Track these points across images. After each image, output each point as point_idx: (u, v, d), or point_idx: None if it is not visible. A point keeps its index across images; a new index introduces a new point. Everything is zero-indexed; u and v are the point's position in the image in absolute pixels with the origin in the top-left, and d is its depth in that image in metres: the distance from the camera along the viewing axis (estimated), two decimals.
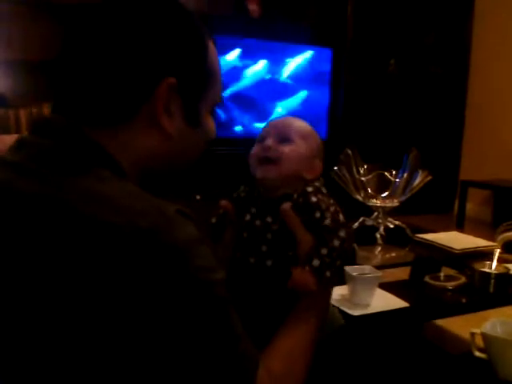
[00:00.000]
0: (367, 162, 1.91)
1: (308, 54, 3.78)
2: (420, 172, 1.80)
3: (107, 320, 0.54)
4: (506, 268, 1.47)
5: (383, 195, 1.84)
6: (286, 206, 0.82)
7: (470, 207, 3.93)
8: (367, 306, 1.24)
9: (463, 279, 1.44)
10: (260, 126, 3.72)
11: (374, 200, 1.84)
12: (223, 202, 0.89)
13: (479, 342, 1.17)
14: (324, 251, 0.79)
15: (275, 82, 3.73)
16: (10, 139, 0.68)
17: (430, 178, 1.80)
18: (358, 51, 3.92)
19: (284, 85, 3.76)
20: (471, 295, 1.40)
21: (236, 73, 3.57)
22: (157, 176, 0.69)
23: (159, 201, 0.59)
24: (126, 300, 0.54)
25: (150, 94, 0.63)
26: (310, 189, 0.85)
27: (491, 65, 4.09)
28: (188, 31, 0.66)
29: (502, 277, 1.43)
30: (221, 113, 3.54)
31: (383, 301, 1.27)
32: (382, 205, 1.83)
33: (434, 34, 4.17)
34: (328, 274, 0.79)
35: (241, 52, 3.55)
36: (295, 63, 3.76)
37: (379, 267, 1.38)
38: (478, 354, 1.17)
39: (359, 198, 1.84)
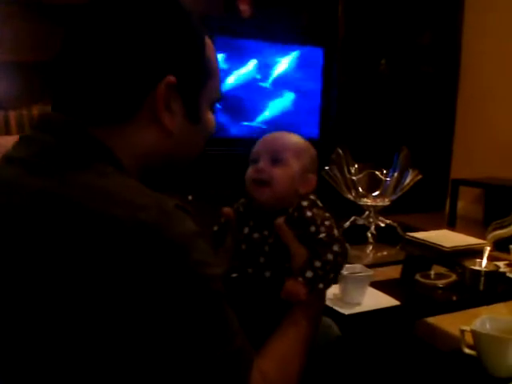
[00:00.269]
0: (358, 162, 1.92)
1: (299, 54, 3.79)
2: (410, 171, 1.81)
3: (106, 312, 0.54)
4: (496, 266, 1.48)
5: (374, 194, 1.84)
6: (280, 220, 0.85)
7: (461, 206, 3.95)
8: (358, 304, 1.24)
9: (454, 277, 1.45)
10: (251, 127, 3.72)
11: (365, 199, 1.85)
12: (226, 210, 0.92)
13: (469, 338, 1.18)
14: (317, 264, 0.81)
15: (267, 82, 3.74)
16: (12, 140, 0.69)
17: (420, 176, 1.82)
18: (349, 51, 3.93)
19: (275, 84, 3.77)
20: (462, 293, 1.41)
21: (227, 73, 3.57)
22: (157, 172, 0.70)
23: (159, 195, 0.60)
24: (125, 292, 0.54)
25: (150, 92, 0.64)
26: (305, 203, 0.87)
27: (482, 64, 4.11)
28: (186, 29, 0.67)
29: (492, 274, 1.44)
30: None
31: (374, 299, 1.28)
32: (373, 204, 1.84)
33: (424, 34, 4.19)
34: (321, 285, 0.82)
35: (231, 52, 3.55)
36: (286, 63, 3.77)
37: (370, 266, 1.39)
38: (467, 350, 1.18)
39: (350, 197, 1.85)
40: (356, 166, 1.89)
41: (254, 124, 3.73)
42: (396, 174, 1.83)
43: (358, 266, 1.30)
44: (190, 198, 2.66)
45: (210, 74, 0.71)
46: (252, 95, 3.70)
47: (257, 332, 0.72)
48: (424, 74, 4.21)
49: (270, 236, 0.87)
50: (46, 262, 0.55)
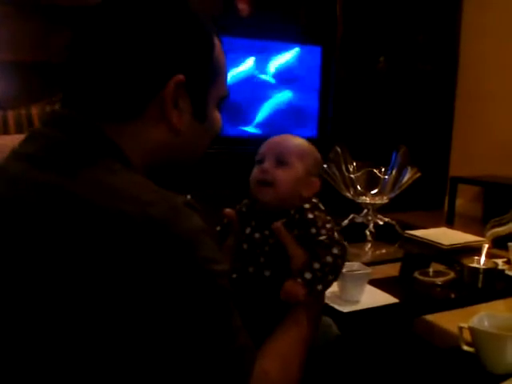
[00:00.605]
0: (357, 160, 1.93)
1: (298, 52, 3.79)
2: (409, 169, 1.81)
3: (112, 307, 0.55)
4: (495, 263, 1.49)
5: (372, 192, 1.85)
6: (278, 223, 0.86)
7: (459, 203, 3.95)
8: (357, 302, 1.25)
9: (452, 275, 1.46)
10: (249, 126, 3.72)
11: (364, 197, 1.85)
12: (228, 211, 0.93)
13: (467, 336, 1.18)
14: (316, 265, 0.82)
15: (265, 81, 3.74)
16: (10, 139, 0.69)
17: (418, 174, 1.82)
18: (347, 49, 3.93)
19: (274, 83, 3.77)
20: (460, 290, 1.41)
21: (227, 71, 3.56)
22: (163, 170, 0.71)
23: (167, 192, 0.60)
24: (131, 287, 0.54)
25: (158, 91, 0.65)
26: (307, 205, 0.88)
27: (480, 62, 4.11)
28: (195, 28, 0.68)
29: (490, 272, 1.44)
30: None
31: (373, 297, 1.28)
32: (372, 202, 1.84)
33: (423, 32, 4.19)
34: (319, 287, 0.82)
35: (229, 51, 3.55)
36: (285, 61, 3.77)
37: (369, 264, 1.39)
38: (465, 347, 1.18)
39: (349, 195, 1.85)
40: (354, 164, 1.90)
41: (252, 123, 3.73)
42: (394, 172, 1.84)
43: (356, 264, 1.30)
44: (188, 197, 2.67)
45: (217, 73, 0.72)
46: (250, 94, 3.69)
47: (257, 331, 0.72)
48: (422, 72, 4.22)
49: (270, 236, 0.88)
50: (54, 257, 0.56)
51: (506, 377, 1.08)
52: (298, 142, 0.93)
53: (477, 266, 1.45)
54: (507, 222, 1.91)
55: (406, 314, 1.41)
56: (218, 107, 0.74)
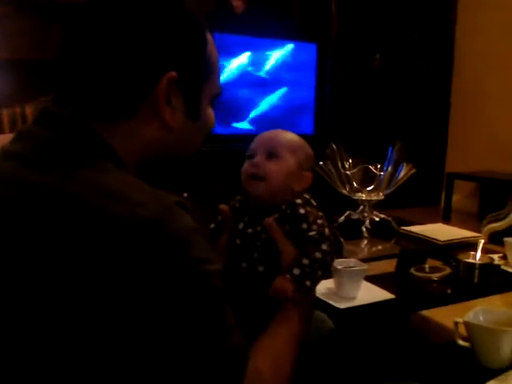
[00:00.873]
0: (353, 156, 1.93)
1: (293, 50, 3.79)
2: (404, 165, 1.82)
3: (104, 308, 0.54)
4: (491, 258, 1.49)
5: (368, 189, 1.85)
6: (269, 219, 0.86)
7: (456, 199, 3.96)
8: (353, 298, 1.25)
9: (448, 270, 1.46)
10: (244, 124, 3.72)
11: (360, 194, 1.85)
12: (222, 206, 0.93)
13: (462, 330, 1.19)
14: (306, 261, 0.83)
15: (260, 78, 3.73)
16: (3, 138, 0.68)
17: (414, 170, 1.82)
18: (343, 46, 3.93)
19: (269, 80, 3.76)
20: (456, 286, 1.42)
21: (220, 69, 3.56)
22: (155, 166, 0.70)
23: (159, 192, 0.60)
24: (123, 288, 0.54)
25: (151, 89, 0.64)
26: (298, 201, 0.88)
27: (476, 58, 4.12)
28: (187, 25, 0.67)
29: (486, 267, 1.45)
30: None
31: (369, 293, 1.28)
32: (368, 198, 1.85)
33: (418, 29, 4.19)
34: (308, 283, 0.82)
35: (224, 48, 3.55)
36: (280, 58, 3.76)
37: (365, 260, 1.39)
38: (461, 342, 1.18)
39: (345, 192, 1.86)
40: (350, 160, 1.90)
41: (247, 120, 3.73)
42: (390, 169, 1.84)
43: (352, 260, 1.31)
44: (185, 195, 2.67)
45: (210, 70, 0.71)
46: (246, 91, 3.69)
47: (251, 326, 0.72)
48: (418, 69, 4.22)
49: (263, 232, 0.88)
50: (43, 258, 0.55)
51: (501, 371, 1.08)
52: (289, 136, 0.93)
53: (473, 261, 1.45)
54: (504, 218, 1.92)
55: (403, 309, 1.42)
56: (212, 104, 0.74)
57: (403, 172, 1.81)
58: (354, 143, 2.29)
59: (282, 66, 3.77)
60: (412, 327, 1.73)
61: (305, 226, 0.85)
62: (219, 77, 0.75)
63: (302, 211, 0.87)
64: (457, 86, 4.30)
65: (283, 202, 0.88)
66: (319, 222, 0.86)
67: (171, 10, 0.66)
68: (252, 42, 3.66)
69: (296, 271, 0.81)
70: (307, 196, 0.91)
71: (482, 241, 1.60)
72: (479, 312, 1.19)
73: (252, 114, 3.73)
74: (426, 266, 1.48)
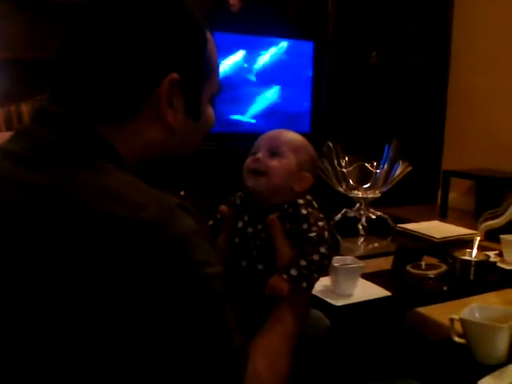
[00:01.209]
0: (349, 154, 1.93)
1: (290, 47, 3.78)
2: (400, 162, 1.82)
3: (105, 310, 0.54)
4: (487, 255, 1.50)
5: (365, 186, 1.85)
6: (273, 216, 0.86)
7: (452, 197, 3.97)
8: (350, 296, 1.25)
9: (444, 267, 1.46)
10: (241, 122, 3.71)
11: (356, 191, 1.85)
12: (222, 207, 0.93)
13: (458, 327, 1.19)
14: (303, 263, 0.83)
15: (257, 76, 3.73)
16: (1, 136, 0.68)
17: (410, 168, 1.83)
18: (339, 44, 3.93)
19: (266, 78, 3.76)
20: (452, 283, 1.42)
21: (219, 67, 3.56)
22: (154, 166, 0.70)
23: (161, 194, 0.59)
24: (124, 290, 0.54)
25: (152, 90, 0.64)
26: (301, 201, 0.89)
27: (472, 56, 4.12)
28: (187, 24, 0.67)
29: (482, 264, 1.45)
30: None
31: (366, 290, 1.29)
32: (364, 196, 1.85)
33: (415, 26, 4.20)
34: (304, 284, 0.83)
35: (221, 46, 3.54)
36: (277, 56, 3.76)
37: (362, 258, 1.40)
38: (457, 339, 1.19)
39: (341, 189, 1.86)
40: (346, 158, 1.90)
41: (244, 118, 3.73)
42: (386, 166, 1.85)
43: (349, 258, 1.31)
44: (182, 193, 2.67)
45: (211, 70, 0.71)
46: (243, 89, 3.69)
47: (249, 324, 0.72)
48: (415, 66, 4.22)
49: (263, 231, 0.88)
50: (42, 260, 0.55)
51: (496, 367, 1.09)
52: (292, 136, 0.94)
53: (468, 258, 1.46)
54: (500, 215, 1.93)
55: (399, 306, 1.42)
56: (211, 103, 0.74)
57: (399, 170, 1.82)
58: (350, 141, 2.29)
59: (279, 64, 3.77)
60: (408, 324, 1.73)
61: (305, 226, 0.85)
62: (219, 75, 0.74)
63: (303, 212, 0.87)
64: (453, 83, 4.30)
65: (283, 201, 0.89)
66: (320, 224, 0.86)
67: (171, 10, 0.66)
68: (249, 40, 3.66)
69: (293, 272, 0.82)
70: (309, 197, 0.91)
71: (478, 238, 1.61)
72: (475, 309, 1.20)
73: (248, 112, 3.74)
74: (422, 263, 1.48)
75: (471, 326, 1.14)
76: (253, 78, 3.72)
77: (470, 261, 1.45)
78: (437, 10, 4.23)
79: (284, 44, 3.76)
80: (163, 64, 0.64)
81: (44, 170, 0.59)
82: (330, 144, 1.87)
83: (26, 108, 2.08)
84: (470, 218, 3.42)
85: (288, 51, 3.78)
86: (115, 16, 0.64)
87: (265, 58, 3.74)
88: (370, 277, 1.36)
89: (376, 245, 1.80)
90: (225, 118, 3.65)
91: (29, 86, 2.59)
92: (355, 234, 1.80)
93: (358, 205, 1.85)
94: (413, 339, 1.58)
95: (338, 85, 3.94)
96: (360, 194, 1.85)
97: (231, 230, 0.92)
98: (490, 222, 1.92)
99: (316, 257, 0.83)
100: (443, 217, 3.77)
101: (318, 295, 1.22)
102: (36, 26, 3.03)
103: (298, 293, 0.82)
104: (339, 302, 1.21)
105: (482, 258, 1.47)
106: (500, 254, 1.60)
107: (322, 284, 1.27)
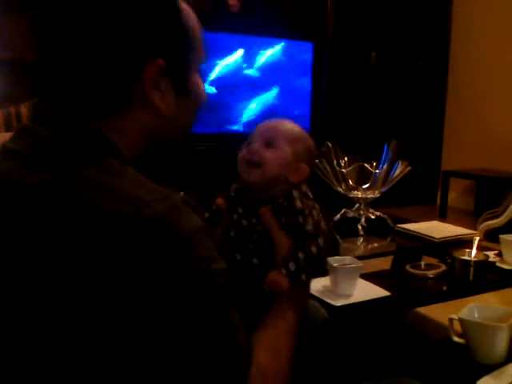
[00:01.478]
0: (348, 154, 1.93)
1: (289, 48, 3.79)
2: (400, 163, 1.82)
3: (109, 307, 0.54)
4: (486, 255, 1.50)
5: (364, 187, 1.85)
6: (265, 209, 0.85)
7: (452, 197, 3.97)
8: (349, 296, 1.25)
9: (443, 267, 1.47)
10: (239, 123, 3.72)
11: (355, 192, 1.85)
12: (219, 200, 0.92)
13: (457, 327, 1.19)
14: (301, 256, 0.82)
15: (255, 76, 3.73)
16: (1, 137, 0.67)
17: (409, 168, 1.83)
18: (339, 44, 3.94)
19: (265, 79, 3.76)
20: (451, 283, 1.42)
21: (215, 66, 3.56)
22: (156, 150, 0.70)
23: (165, 190, 0.59)
24: (129, 286, 0.54)
25: (137, 76, 0.63)
26: (295, 193, 0.87)
27: (471, 56, 4.13)
28: (155, 2, 0.65)
29: (481, 264, 1.45)
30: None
31: (365, 291, 1.29)
32: (363, 196, 1.85)
33: (414, 26, 4.20)
34: (303, 277, 0.82)
35: (220, 46, 3.55)
36: (276, 57, 3.77)
37: (361, 258, 1.40)
38: (456, 339, 1.19)
39: (340, 190, 1.86)
40: (346, 158, 1.90)
41: (242, 119, 3.73)
42: (385, 166, 1.84)
43: (348, 258, 1.31)
44: (181, 193, 2.67)
45: (191, 39, 0.69)
46: (242, 89, 3.69)
47: (247, 318, 0.72)
48: (414, 66, 4.23)
49: (258, 223, 0.87)
50: (46, 258, 0.55)
51: (495, 367, 1.09)
52: (289, 126, 0.93)
53: (468, 258, 1.46)
54: (500, 215, 1.93)
55: (398, 306, 1.43)
56: (199, 71, 0.72)
57: (399, 170, 1.82)
58: (349, 141, 2.30)
59: (278, 64, 3.77)
60: (407, 324, 1.73)
61: (301, 219, 0.84)
62: (203, 45, 0.71)
63: (298, 204, 0.85)
64: (452, 83, 4.31)
65: (278, 192, 0.87)
66: (315, 215, 0.85)
67: None
68: (248, 41, 3.66)
69: (291, 266, 0.81)
70: (304, 188, 0.89)
71: (478, 238, 1.61)
72: (474, 309, 1.20)
73: (247, 112, 3.74)
74: (422, 263, 1.48)
75: (470, 325, 1.14)
76: (252, 78, 3.72)
77: (469, 261, 1.45)
78: (436, 11, 4.24)
79: (283, 44, 3.77)
80: (141, 47, 0.63)
81: (46, 168, 0.59)
82: (330, 144, 1.87)
83: (25, 109, 2.08)
84: (470, 218, 3.43)
85: (287, 51, 3.78)
86: (84, 10, 0.62)
87: (264, 58, 3.74)
88: (370, 277, 1.37)
89: (375, 245, 1.80)
90: (224, 118, 3.65)
91: (27, 87, 2.58)
92: (355, 234, 1.80)
93: (357, 205, 1.85)
94: (412, 339, 1.58)
95: (338, 85, 3.95)
96: (359, 195, 1.85)
97: (227, 223, 0.90)
98: (490, 222, 1.92)
99: (314, 249, 0.82)
100: (443, 217, 3.77)
101: (318, 295, 1.22)
102: (36, 26, 3.03)
103: (298, 286, 0.81)
104: (339, 302, 1.21)
105: (481, 257, 1.47)
106: (499, 254, 1.60)
107: (321, 284, 1.27)
